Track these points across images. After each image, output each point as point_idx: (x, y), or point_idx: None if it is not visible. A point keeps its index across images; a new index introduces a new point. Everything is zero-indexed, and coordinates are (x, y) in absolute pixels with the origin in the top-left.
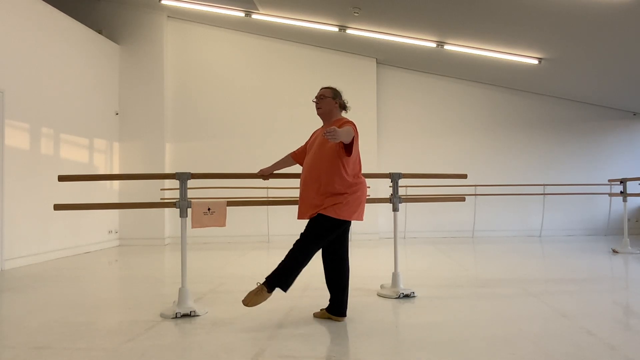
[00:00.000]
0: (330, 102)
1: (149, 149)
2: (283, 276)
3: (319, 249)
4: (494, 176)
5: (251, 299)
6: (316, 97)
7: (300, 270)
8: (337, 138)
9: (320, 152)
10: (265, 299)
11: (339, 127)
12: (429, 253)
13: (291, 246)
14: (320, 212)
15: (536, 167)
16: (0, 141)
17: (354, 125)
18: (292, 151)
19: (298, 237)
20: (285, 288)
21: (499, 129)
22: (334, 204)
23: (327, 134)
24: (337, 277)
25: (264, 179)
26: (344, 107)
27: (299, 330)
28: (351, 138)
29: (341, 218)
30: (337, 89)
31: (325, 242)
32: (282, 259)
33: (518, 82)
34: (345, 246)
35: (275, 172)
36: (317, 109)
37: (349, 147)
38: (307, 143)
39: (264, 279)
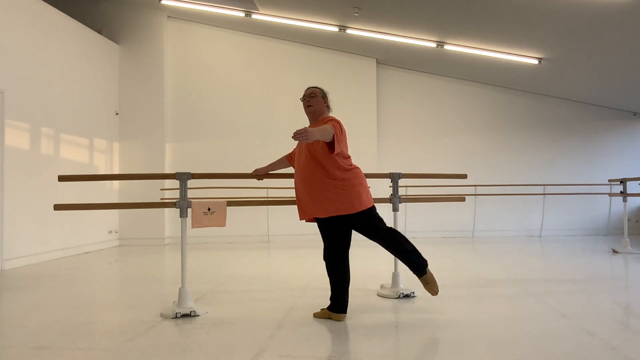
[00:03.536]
0: (320, 100)
1: (149, 149)
2: (417, 257)
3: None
4: (494, 176)
5: (434, 287)
6: (306, 96)
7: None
8: (310, 138)
9: (313, 149)
10: (434, 277)
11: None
12: (429, 253)
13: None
14: (355, 211)
15: (536, 167)
16: (1, 141)
17: (339, 122)
18: (287, 153)
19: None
20: (425, 262)
21: (499, 129)
22: (353, 196)
23: (298, 136)
24: (342, 274)
25: (259, 179)
26: (329, 107)
27: (299, 330)
28: (330, 136)
29: (372, 204)
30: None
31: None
32: (402, 256)
33: (518, 82)
34: (349, 244)
35: (271, 172)
36: (308, 107)
37: (332, 145)
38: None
39: (418, 275)
